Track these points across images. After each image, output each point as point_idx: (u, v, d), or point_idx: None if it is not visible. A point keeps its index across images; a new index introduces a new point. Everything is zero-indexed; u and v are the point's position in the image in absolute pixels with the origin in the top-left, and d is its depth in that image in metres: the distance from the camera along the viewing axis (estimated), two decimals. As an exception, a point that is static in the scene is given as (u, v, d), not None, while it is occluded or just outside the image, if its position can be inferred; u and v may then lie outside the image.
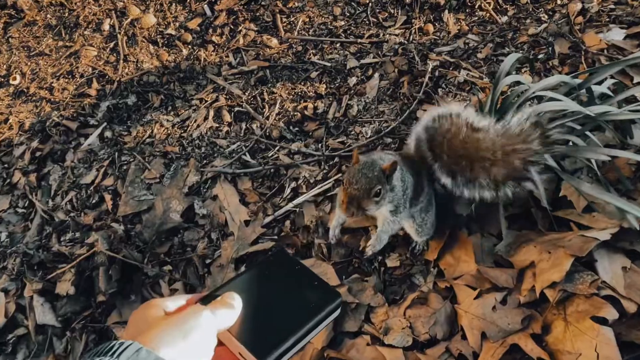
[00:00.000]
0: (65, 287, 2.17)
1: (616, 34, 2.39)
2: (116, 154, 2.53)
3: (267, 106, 2.56)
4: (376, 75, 2.54)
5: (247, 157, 2.43)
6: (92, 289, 2.19)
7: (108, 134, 2.64)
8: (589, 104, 1.81)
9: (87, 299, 2.19)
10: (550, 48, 2.42)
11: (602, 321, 1.62)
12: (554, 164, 1.86)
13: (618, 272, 1.78)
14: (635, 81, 2.15)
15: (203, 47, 2.91)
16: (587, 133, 1.84)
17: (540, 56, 2.39)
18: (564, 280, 1.75)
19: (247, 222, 2.27)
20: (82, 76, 2.87)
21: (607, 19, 2.44)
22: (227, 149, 2.47)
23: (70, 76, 2.89)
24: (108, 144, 2.60)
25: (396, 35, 2.67)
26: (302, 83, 2.61)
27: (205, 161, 2.45)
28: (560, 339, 1.67)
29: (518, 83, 2.36)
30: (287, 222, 2.24)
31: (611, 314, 1.62)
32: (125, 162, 2.51)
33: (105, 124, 2.67)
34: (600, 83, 1.92)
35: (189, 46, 2.93)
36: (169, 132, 2.58)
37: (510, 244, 1.93)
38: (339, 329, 1.88)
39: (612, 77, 1.99)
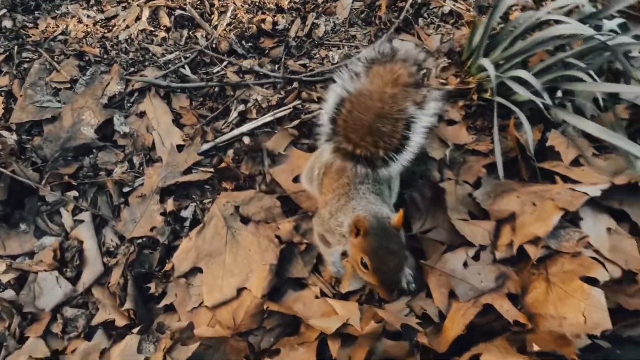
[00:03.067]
0: None
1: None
2: (16, 48, 1.99)
3: (216, 13, 2.12)
4: (350, -7, 2.16)
5: (187, 71, 1.99)
6: (-34, 212, 1.70)
7: (7, 23, 2.07)
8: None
9: (-40, 225, 1.70)
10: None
11: (592, 283, 1.41)
12: (549, 100, 1.61)
13: (603, 233, 1.58)
14: None
15: (142, -63, 2.37)
16: (591, 72, 1.60)
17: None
18: (548, 236, 1.53)
19: (180, 147, 1.86)
20: (-22, -51, 2.24)
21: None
22: (162, 58, 2.01)
23: (-38, -53, 2.24)
24: (6, 35, 2.04)
25: (376, -49, 2.29)
26: (262, -8, 2.18)
27: (132, 69, 1.97)
28: (541, 301, 1.44)
29: (506, 20, 2.10)
30: (230, 151, 1.85)
31: (603, 274, 1.41)
32: (28, 59, 1.97)
33: (5, 10, 2.09)
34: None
35: None
36: (88, 30, 2.06)
37: (489, 192, 1.68)
38: (284, 274, 1.55)
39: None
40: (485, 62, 1.63)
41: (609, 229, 1.59)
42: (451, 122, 1.89)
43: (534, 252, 1.51)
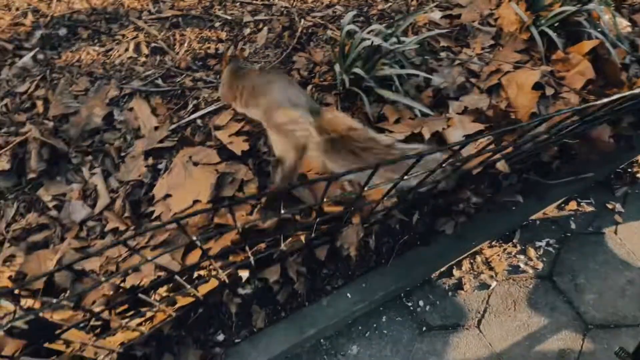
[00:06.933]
0: (1, 165, 2.70)
1: (436, 15, 3.37)
2: (48, 71, 3.07)
3: (178, 45, 3.24)
4: (265, 28, 3.31)
5: (160, 81, 3.09)
6: (23, 170, 2.74)
7: (40, 56, 3.16)
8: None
9: (19, 179, 2.73)
10: (391, 20, 3.35)
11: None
12: (374, 85, 2.76)
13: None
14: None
15: (127, -3, 3.52)
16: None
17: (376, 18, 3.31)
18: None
19: (156, 128, 2.93)
20: (17, 9, 3.35)
21: (433, 4, 3.42)
22: (143, 74, 3.11)
23: (6, 9, 3.35)
24: (41, 64, 3.13)
25: (282, 0, 3.47)
26: (208, 30, 3.32)
27: (124, 81, 3.07)
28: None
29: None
30: (189, 129, 2.94)
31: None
32: (56, 78, 3.06)
33: (38, 48, 3.19)
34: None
35: (115, -6, 3.52)
36: (94, 58, 3.17)
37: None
38: (219, 194, 2.61)
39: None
40: (336, 67, 2.78)
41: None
42: (327, 104, 3.02)
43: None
